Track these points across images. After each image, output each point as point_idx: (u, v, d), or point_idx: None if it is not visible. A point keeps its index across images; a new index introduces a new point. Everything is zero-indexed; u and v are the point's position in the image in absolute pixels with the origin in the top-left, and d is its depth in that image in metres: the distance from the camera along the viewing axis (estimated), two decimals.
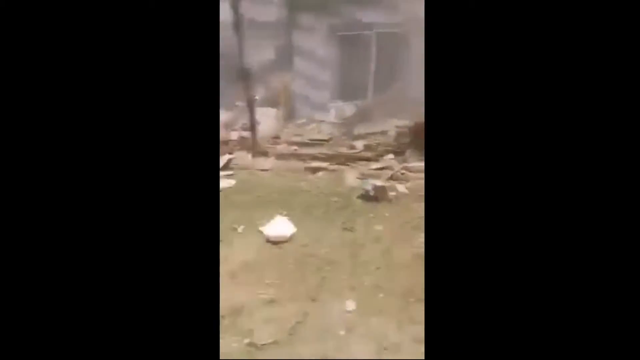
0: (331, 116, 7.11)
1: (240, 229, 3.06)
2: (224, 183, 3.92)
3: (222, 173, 4.48)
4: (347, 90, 6.84)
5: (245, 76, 4.43)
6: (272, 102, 6.19)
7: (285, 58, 6.46)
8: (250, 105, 4.52)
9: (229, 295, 2.10)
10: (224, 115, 5.51)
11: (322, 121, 6.60)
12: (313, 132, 5.52)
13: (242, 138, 5.52)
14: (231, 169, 4.74)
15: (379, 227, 2.93)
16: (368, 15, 6.23)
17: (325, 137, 4.93)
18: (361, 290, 2.19)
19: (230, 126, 5.76)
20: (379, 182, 3.32)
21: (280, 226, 2.90)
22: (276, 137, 5.50)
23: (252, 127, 4.88)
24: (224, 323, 1.89)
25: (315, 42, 6.37)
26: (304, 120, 6.52)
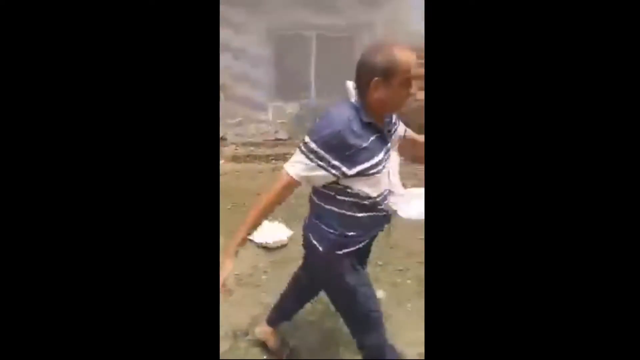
0: (269, 115, 6.95)
1: (220, 241, 2.75)
2: None
3: None
4: (286, 90, 6.78)
5: None
6: None
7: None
8: None
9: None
10: None
11: (261, 121, 6.39)
12: (254, 132, 5.30)
13: None
14: None
15: None
16: (308, 17, 6.29)
17: (285, 137, 4.80)
18: (385, 277, 2.20)
19: None
20: None
21: (272, 231, 2.72)
22: (222, 139, 5.14)
23: None
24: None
25: (248, 40, 6.16)
26: (238, 120, 6.22)
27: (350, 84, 1.04)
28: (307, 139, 0.99)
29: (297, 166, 1.00)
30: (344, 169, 0.99)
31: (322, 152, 0.96)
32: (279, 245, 2.59)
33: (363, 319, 1.19)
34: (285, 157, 4.28)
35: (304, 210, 2.91)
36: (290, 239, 2.64)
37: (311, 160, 0.97)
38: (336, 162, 0.97)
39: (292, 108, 6.41)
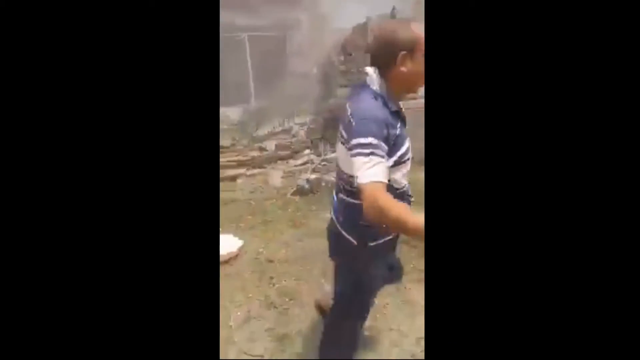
0: None
1: None
2: None
3: None
4: (227, 95, 6.62)
5: None
6: None
7: None
8: None
9: None
10: None
11: None
12: None
13: None
14: None
15: (328, 215, 3.00)
16: (239, 19, 6.17)
17: (227, 144, 4.68)
18: None
19: None
20: (312, 176, 3.39)
21: (222, 243, 2.66)
22: None
23: None
24: None
25: None
26: None
27: (372, 70, 1.01)
28: (364, 140, 0.90)
29: (377, 168, 0.89)
30: (388, 159, 0.95)
31: (382, 144, 0.91)
32: (230, 257, 2.54)
33: (360, 309, 1.25)
34: (227, 165, 4.23)
35: (254, 220, 2.79)
36: (241, 249, 2.60)
37: (382, 156, 0.91)
38: (385, 154, 0.93)
39: (234, 113, 6.28)
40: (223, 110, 6.47)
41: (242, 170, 4.00)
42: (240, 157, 4.20)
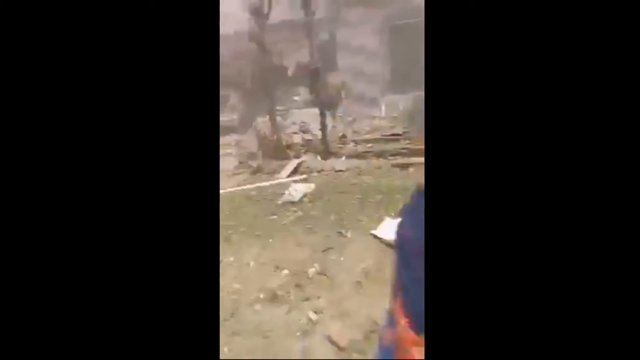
0: (382, 111, 6.86)
1: (348, 234, 2.87)
2: (302, 187, 3.75)
3: (294, 177, 4.34)
4: (400, 82, 6.62)
5: (315, 76, 4.26)
6: (323, 102, 6.02)
7: (327, 55, 6.30)
8: (323, 105, 4.35)
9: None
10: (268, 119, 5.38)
11: (374, 117, 6.39)
12: (369, 129, 5.32)
13: (306, 140, 5.39)
14: (303, 172, 4.58)
15: None
16: (417, 3, 6.03)
17: (399, 131, 4.70)
18: None
19: (282, 129, 5.60)
20: None
21: (392, 227, 2.68)
22: (343, 137, 5.33)
23: (323, 127, 4.72)
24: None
25: (363, 35, 6.19)
26: (352, 118, 6.32)
27: None
28: None
29: None
30: None
31: None
32: None
33: None
34: (400, 153, 4.24)
35: None
36: None
37: None
38: None
39: (405, 101, 6.26)
40: (393, 98, 6.54)
41: (414, 159, 3.95)
42: (411, 146, 4.15)
